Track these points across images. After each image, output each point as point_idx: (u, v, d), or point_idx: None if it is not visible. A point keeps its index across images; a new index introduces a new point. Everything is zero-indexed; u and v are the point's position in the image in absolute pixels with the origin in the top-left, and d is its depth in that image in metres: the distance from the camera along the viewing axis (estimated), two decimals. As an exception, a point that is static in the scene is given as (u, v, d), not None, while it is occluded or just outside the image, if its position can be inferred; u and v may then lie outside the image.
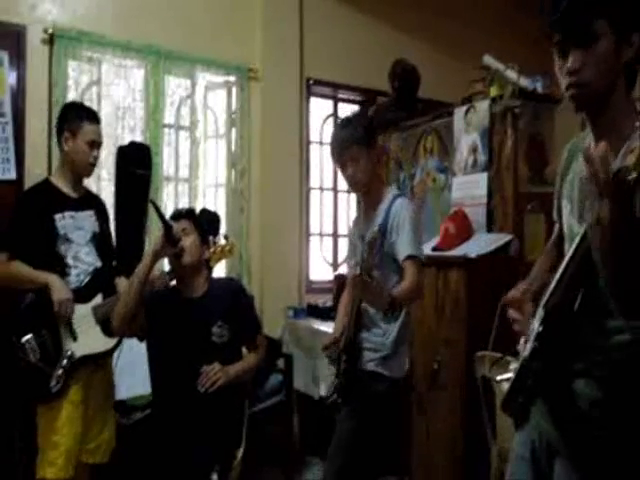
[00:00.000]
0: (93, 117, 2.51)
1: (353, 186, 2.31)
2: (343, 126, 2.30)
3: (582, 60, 1.23)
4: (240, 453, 2.27)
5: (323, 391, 3.29)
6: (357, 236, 2.34)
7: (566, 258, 1.23)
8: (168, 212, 3.61)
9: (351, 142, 2.20)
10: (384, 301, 2.01)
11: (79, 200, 2.49)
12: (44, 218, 2.35)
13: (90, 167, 2.49)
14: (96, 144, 2.47)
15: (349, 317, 2.20)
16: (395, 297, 2.04)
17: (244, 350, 2.41)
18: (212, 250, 2.42)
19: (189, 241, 2.25)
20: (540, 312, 1.26)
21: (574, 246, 1.21)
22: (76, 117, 2.45)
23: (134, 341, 2.36)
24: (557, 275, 1.24)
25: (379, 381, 2.18)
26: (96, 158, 2.49)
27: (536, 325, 1.25)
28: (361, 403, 2.19)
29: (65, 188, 2.45)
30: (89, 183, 2.70)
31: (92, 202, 2.57)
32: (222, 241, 2.53)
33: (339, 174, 4.89)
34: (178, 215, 2.36)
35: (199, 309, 2.25)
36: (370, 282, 1.92)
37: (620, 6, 1.22)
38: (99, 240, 2.50)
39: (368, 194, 2.32)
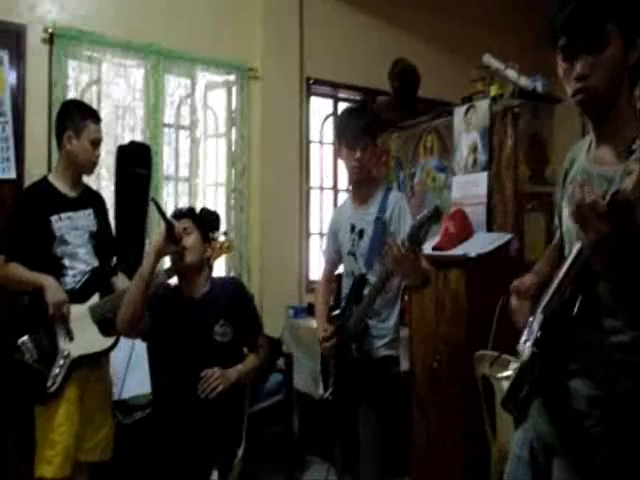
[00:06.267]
0: (96, 116, 2.53)
1: (358, 171, 2.38)
2: (358, 115, 2.41)
3: (591, 65, 1.21)
4: (240, 452, 2.27)
5: (321, 390, 3.30)
6: (344, 225, 2.45)
7: (566, 264, 1.22)
8: (168, 212, 3.64)
9: (366, 132, 2.34)
10: (420, 274, 2.16)
11: (77, 199, 2.48)
12: (41, 220, 2.35)
13: (92, 166, 2.51)
14: (98, 142, 2.49)
15: (365, 304, 2.25)
16: (428, 271, 2.23)
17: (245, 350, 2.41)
18: (210, 250, 2.42)
19: (191, 240, 2.24)
20: (539, 317, 1.26)
21: (574, 253, 1.20)
22: (80, 116, 2.45)
23: (135, 340, 2.35)
24: (556, 280, 1.24)
25: (393, 364, 2.35)
26: (98, 157, 2.51)
27: (535, 329, 1.25)
28: (381, 390, 2.28)
29: (63, 187, 2.45)
30: (88, 183, 2.70)
31: (90, 200, 2.56)
32: (221, 238, 2.53)
33: (339, 173, 4.94)
34: (179, 214, 2.35)
35: (201, 308, 2.25)
36: (412, 256, 2.01)
37: (630, 10, 1.21)
38: (97, 239, 2.50)
39: (361, 185, 2.43)
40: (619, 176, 1.03)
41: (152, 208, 3.57)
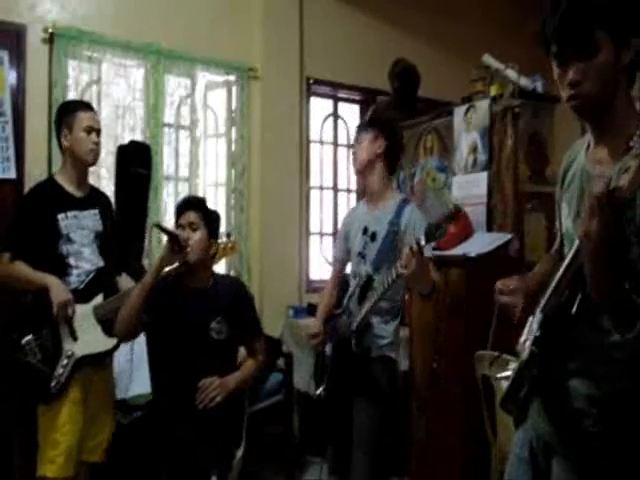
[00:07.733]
0: (86, 106, 2.51)
1: (356, 159, 2.44)
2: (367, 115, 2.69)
3: (583, 72, 1.21)
4: (240, 452, 2.27)
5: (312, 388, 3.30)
6: (357, 226, 2.45)
7: (565, 262, 1.23)
8: (168, 212, 3.65)
9: (368, 125, 2.44)
10: (429, 283, 2.14)
11: (84, 199, 2.47)
12: (47, 218, 2.35)
13: (91, 153, 2.44)
14: (94, 130, 2.44)
15: (369, 305, 2.22)
16: (435, 282, 2.20)
17: (244, 353, 2.40)
18: (214, 248, 2.41)
19: (196, 237, 2.21)
20: (539, 316, 1.26)
21: (573, 251, 1.20)
22: (70, 111, 2.45)
23: (135, 341, 2.35)
24: (555, 279, 1.24)
25: (391, 364, 2.34)
26: (96, 143, 2.45)
27: (535, 328, 1.25)
28: (377, 384, 2.28)
29: (69, 187, 2.44)
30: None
31: (97, 201, 2.55)
32: (224, 239, 2.52)
33: (339, 173, 4.95)
34: (188, 205, 2.32)
35: (200, 302, 2.23)
36: (424, 259, 1.99)
37: (619, 14, 1.21)
38: (103, 239, 2.50)
39: (365, 180, 2.45)
40: (616, 173, 1.03)
41: (152, 204, 3.59)
